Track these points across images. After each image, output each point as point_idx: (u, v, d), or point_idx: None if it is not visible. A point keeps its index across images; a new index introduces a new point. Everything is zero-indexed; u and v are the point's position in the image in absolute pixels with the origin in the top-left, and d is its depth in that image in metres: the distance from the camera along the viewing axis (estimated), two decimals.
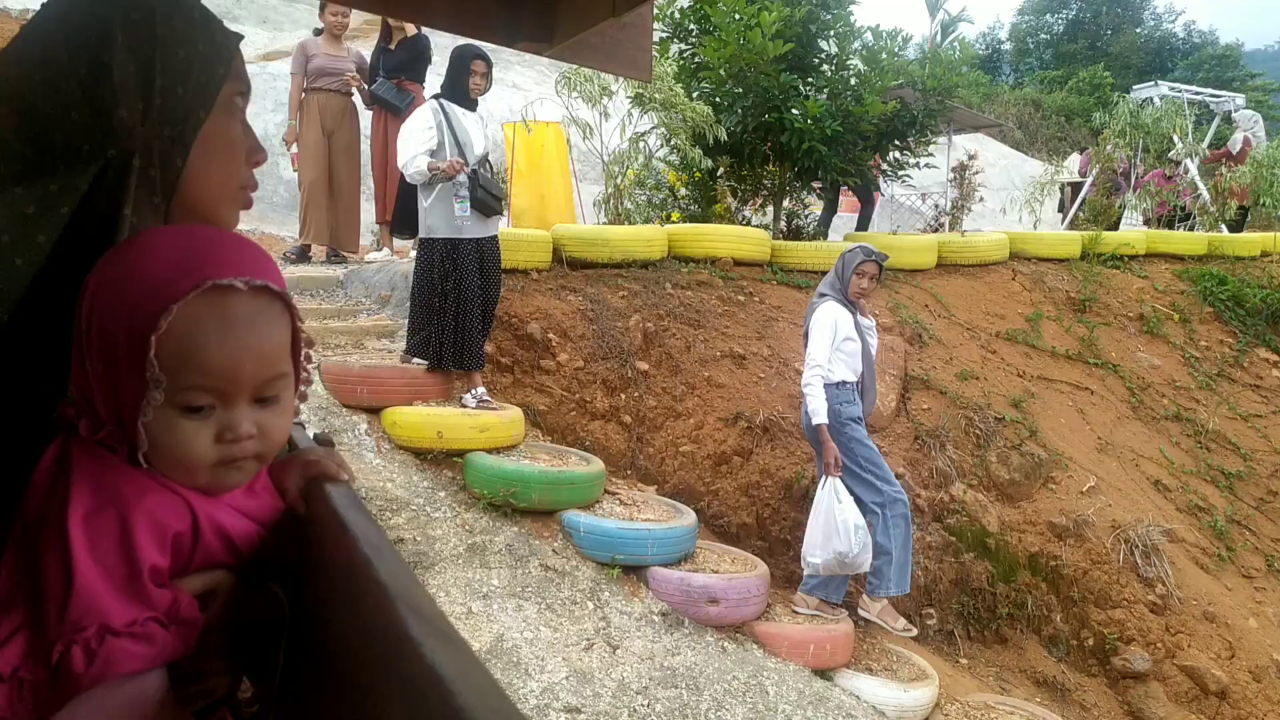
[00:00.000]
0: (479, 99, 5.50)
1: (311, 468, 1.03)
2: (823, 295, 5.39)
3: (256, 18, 14.76)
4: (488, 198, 5.30)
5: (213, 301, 0.88)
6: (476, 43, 5.66)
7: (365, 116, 7.95)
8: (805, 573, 5.13)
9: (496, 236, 5.48)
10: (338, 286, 7.31)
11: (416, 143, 5.24)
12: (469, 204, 5.23)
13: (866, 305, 5.47)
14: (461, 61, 5.41)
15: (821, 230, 9.59)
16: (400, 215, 5.58)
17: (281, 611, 0.91)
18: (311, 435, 1.18)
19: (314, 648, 0.83)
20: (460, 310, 5.28)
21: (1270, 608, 6.53)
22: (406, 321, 5.60)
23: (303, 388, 1.01)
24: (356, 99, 7.85)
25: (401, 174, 5.55)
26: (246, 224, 10.61)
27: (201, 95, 1.01)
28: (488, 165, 5.51)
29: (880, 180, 10.55)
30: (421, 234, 5.39)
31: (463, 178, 5.21)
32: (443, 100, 5.39)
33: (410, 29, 7.67)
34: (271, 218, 10.51)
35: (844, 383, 5.20)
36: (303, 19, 14.28)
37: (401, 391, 5.42)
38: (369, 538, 0.76)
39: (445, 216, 5.24)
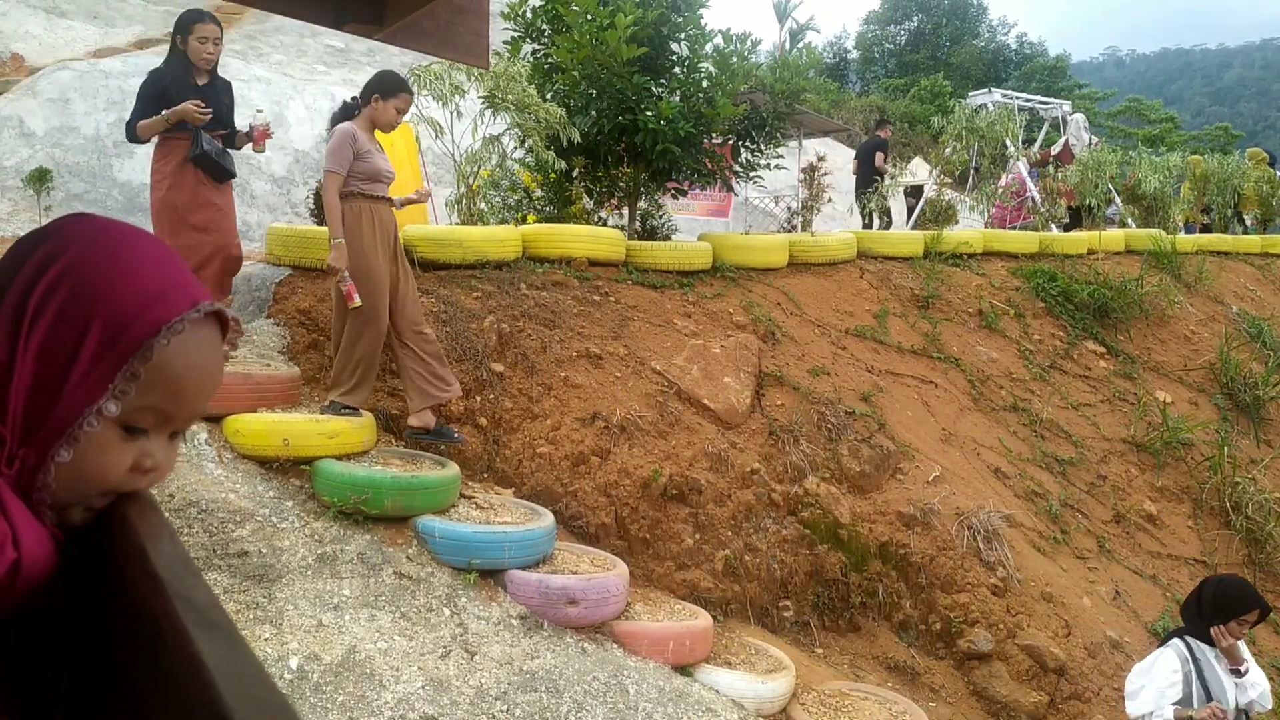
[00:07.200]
0: None
1: None
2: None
3: (86, 12, 13.93)
4: None
5: (201, 325, 0.87)
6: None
7: None
8: None
9: None
10: None
11: (1160, 693, 4.34)
12: None
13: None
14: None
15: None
16: None
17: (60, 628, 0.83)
18: None
19: (88, 642, 0.78)
20: None
21: (1102, 586, 6.90)
22: None
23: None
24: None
25: None
26: None
27: None
28: None
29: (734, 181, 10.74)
30: None
31: None
32: (1189, 640, 4.37)
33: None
34: None
35: None
36: (136, 14, 13.50)
37: (244, 398, 5.18)
38: (145, 528, 0.72)
39: None
